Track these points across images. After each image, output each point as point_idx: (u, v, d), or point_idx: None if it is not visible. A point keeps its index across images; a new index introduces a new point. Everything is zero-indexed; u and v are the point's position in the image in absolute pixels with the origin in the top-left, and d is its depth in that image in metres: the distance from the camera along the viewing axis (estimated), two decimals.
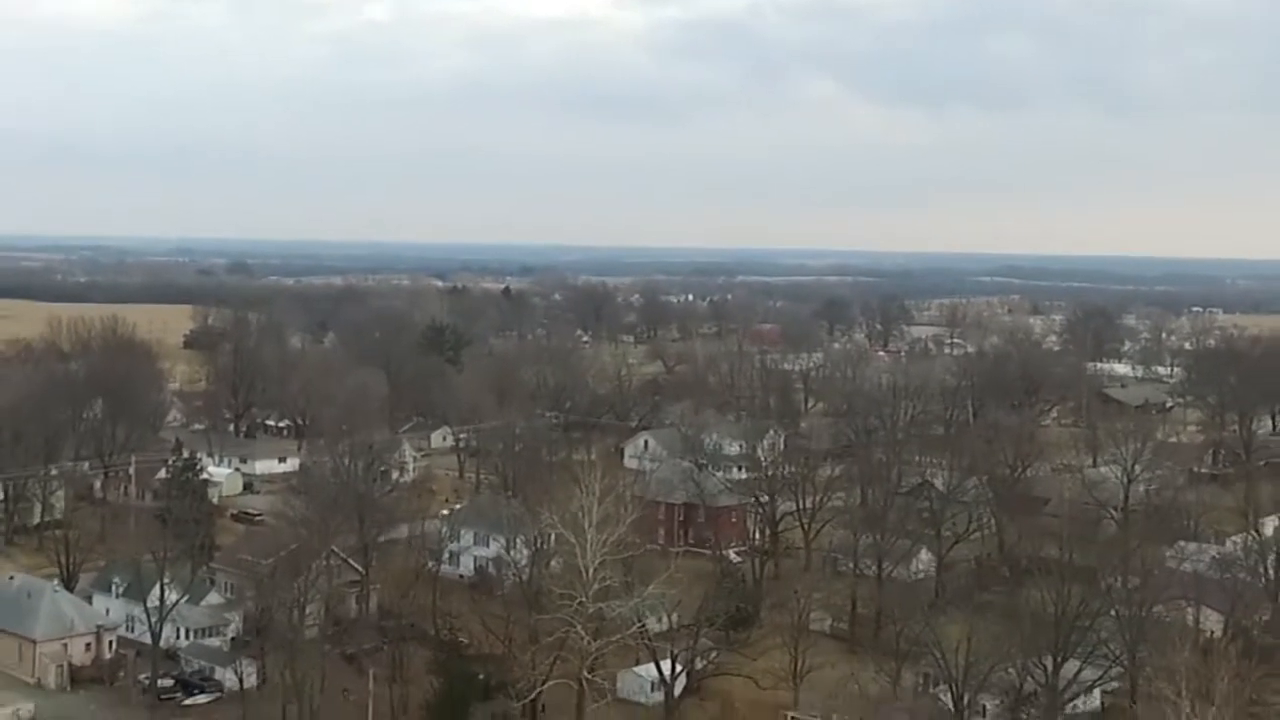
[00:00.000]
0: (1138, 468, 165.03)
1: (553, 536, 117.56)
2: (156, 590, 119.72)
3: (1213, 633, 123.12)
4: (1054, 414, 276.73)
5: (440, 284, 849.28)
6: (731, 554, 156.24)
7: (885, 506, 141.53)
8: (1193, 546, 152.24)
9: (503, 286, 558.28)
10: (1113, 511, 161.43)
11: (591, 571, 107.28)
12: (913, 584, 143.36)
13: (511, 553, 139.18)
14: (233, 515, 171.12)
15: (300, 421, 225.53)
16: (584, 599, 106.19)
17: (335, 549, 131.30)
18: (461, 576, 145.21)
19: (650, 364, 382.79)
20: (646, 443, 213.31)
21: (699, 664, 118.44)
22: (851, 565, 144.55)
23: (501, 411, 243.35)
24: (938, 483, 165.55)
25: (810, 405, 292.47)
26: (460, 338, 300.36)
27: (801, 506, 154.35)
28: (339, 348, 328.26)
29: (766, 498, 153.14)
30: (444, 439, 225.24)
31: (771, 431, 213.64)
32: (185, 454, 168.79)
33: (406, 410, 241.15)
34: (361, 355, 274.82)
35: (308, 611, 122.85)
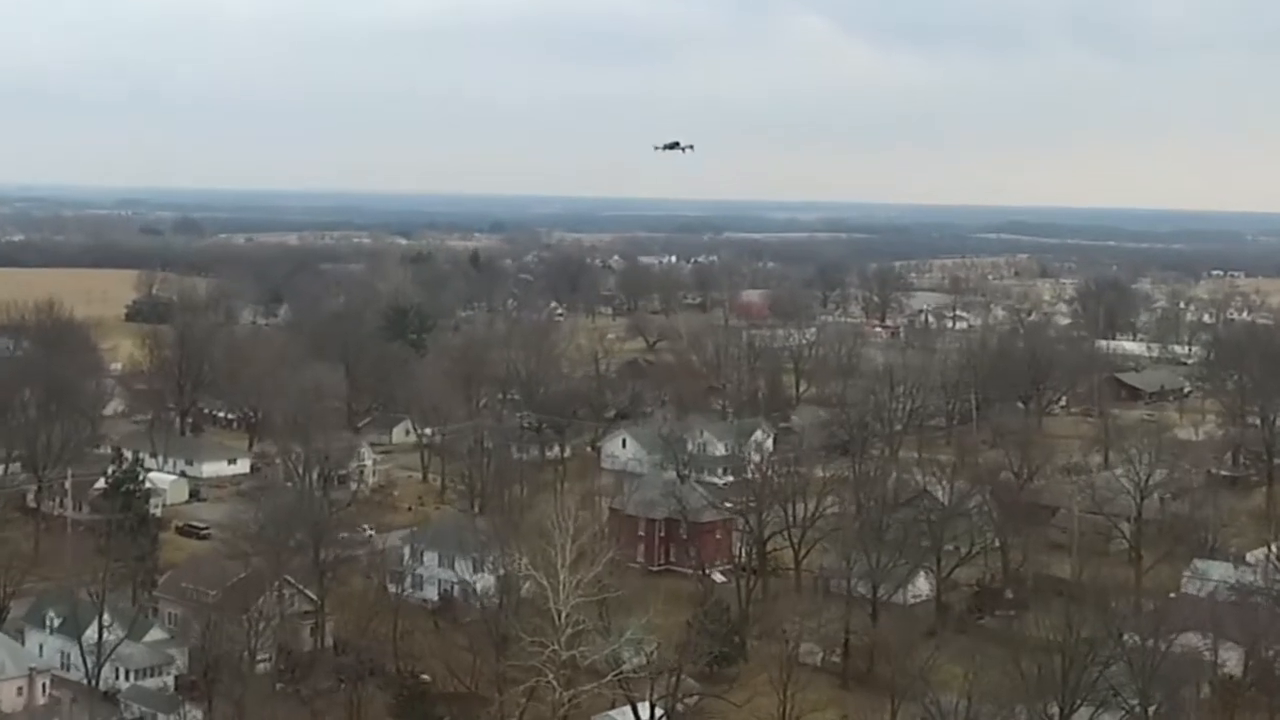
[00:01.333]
0: (1151, 479, 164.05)
1: (522, 566, 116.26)
2: (94, 628, 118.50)
3: (1232, 676, 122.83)
4: (1063, 402, 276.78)
5: (404, 242, 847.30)
6: (716, 573, 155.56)
7: (881, 527, 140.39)
8: (1212, 568, 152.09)
9: (471, 251, 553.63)
10: (1125, 529, 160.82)
11: (564, 616, 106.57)
12: (910, 609, 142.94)
13: (477, 582, 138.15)
14: (178, 529, 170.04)
15: (251, 415, 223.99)
16: (556, 645, 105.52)
17: (288, 578, 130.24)
18: (425, 602, 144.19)
19: (630, 340, 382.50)
20: (625, 441, 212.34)
21: (680, 708, 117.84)
22: (845, 587, 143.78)
23: (468, 406, 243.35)
24: (938, 492, 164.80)
25: (802, 390, 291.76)
26: (424, 320, 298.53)
27: (790, 525, 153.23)
28: (292, 329, 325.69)
29: (753, 511, 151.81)
30: (406, 433, 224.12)
31: (760, 431, 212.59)
32: (125, 460, 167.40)
33: (366, 402, 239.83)
34: (317, 339, 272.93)
35: (258, 647, 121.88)
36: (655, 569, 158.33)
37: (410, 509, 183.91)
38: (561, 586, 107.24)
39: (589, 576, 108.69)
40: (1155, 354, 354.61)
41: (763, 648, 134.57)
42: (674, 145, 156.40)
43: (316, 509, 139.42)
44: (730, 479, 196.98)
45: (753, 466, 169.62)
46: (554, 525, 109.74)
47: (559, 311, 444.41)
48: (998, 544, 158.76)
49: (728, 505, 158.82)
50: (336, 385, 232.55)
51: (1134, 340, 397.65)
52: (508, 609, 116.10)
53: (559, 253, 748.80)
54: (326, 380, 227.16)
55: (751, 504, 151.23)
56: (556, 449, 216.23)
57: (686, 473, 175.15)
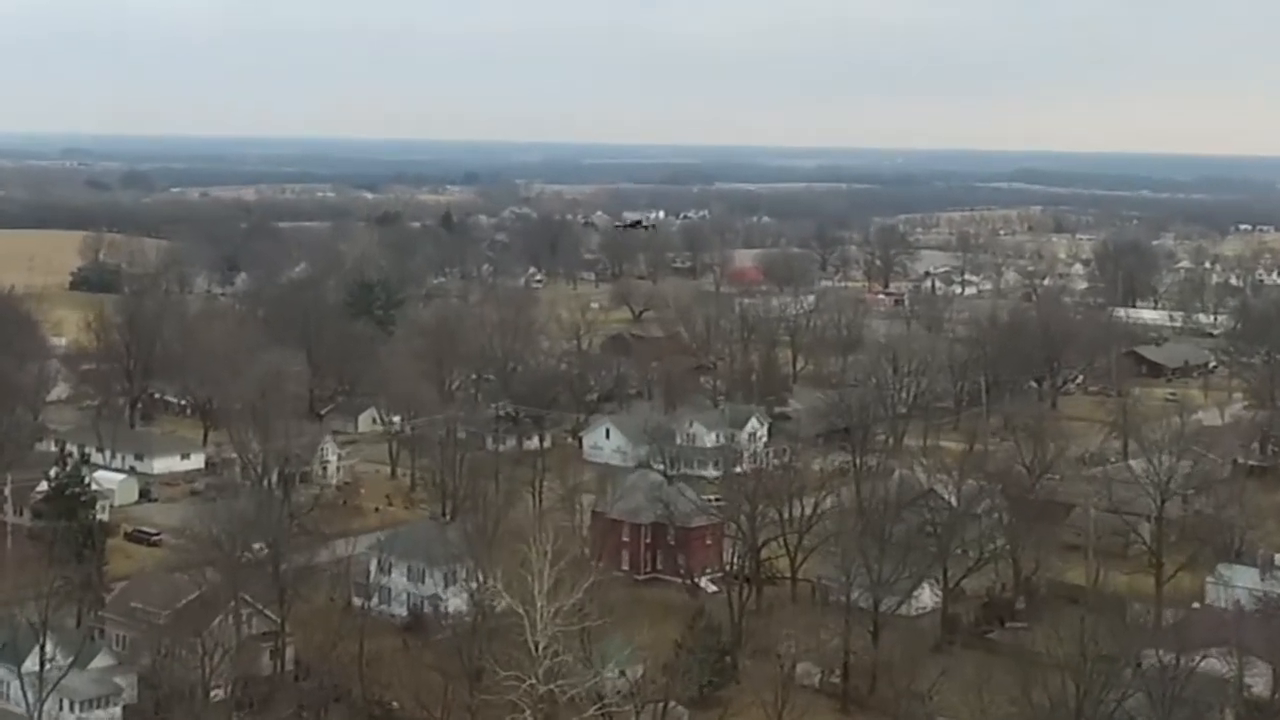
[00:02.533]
0: (1173, 476, 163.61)
1: (497, 594, 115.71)
2: (35, 655, 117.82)
3: (1260, 698, 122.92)
4: (1079, 379, 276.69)
5: (370, 197, 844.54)
6: (706, 582, 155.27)
7: (884, 537, 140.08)
8: (1237, 574, 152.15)
9: (443, 212, 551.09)
10: (1144, 532, 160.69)
11: (542, 647, 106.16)
12: (914, 622, 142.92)
13: (449, 598, 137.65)
14: (127, 535, 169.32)
15: (206, 402, 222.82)
16: (534, 679, 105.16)
17: (246, 597, 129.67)
18: (393, 617, 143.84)
19: (615, 309, 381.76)
20: (608, 431, 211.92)
21: None
22: (844, 598, 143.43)
23: (440, 390, 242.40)
24: (944, 491, 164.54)
25: (799, 367, 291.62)
26: (392, 295, 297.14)
27: (786, 531, 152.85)
28: (250, 300, 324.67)
29: (746, 516, 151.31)
30: (373, 421, 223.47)
31: (754, 420, 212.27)
32: (70, 458, 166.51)
33: (329, 388, 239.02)
34: (277, 316, 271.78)
35: (213, 673, 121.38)
36: (641, 578, 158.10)
37: (377, 509, 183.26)
38: (539, 615, 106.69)
39: (569, 604, 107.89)
40: (1178, 324, 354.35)
41: (756, 667, 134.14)
42: (636, 224, 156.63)
43: (276, 522, 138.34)
44: (721, 473, 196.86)
45: (746, 468, 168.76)
46: (531, 548, 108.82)
47: (538, 278, 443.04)
48: (1008, 547, 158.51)
49: (719, 505, 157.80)
50: (297, 369, 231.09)
51: (1155, 308, 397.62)
52: (480, 636, 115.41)
53: (538, 208, 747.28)
54: (286, 365, 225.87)
55: (744, 509, 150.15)
56: (536, 439, 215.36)
57: (674, 473, 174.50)
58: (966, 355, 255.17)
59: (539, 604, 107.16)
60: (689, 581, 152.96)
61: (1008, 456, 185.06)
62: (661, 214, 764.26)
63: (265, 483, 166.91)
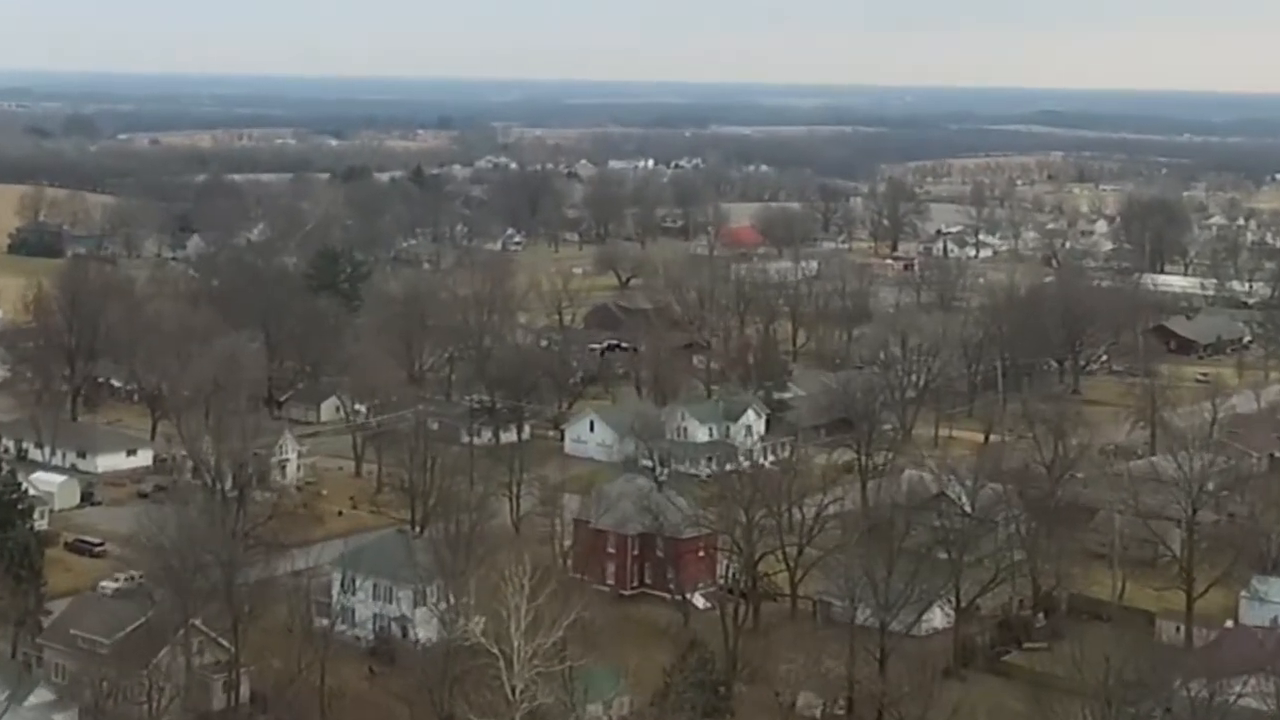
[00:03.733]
0: (1206, 477, 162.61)
1: (469, 619, 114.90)
2: None
3: None
4: (1103, 357, 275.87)
5: (334, 144, 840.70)
6: (698, 598, 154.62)
7: (892, 556, 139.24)
8: (1273, 588, 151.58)
9: (413, 167, 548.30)
10: (1173, 541, 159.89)
11: (519, 691, 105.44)
12: (924, 643, 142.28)
13: (418, 620, 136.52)
14: (67, 544, 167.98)
15: (154, 388, 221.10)
16: None
17: (196, 623, 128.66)
18: (358, 640, 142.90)
19: (600, 275, 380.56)
20: (593, 424, 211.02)
21: None
22: (848, 618, 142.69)
23: (410, 372, 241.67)
24: (957, 494, 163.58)
25: (800, 344, 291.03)
26: (357, 267, 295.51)
27: (785, 545, 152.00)
28: (204, 268, 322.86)
29: (742, 524, 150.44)
30: (337, 409, 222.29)
31: (750, 411, 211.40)
32: (6, 454, 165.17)
33: (289, 371, 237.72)
34: (232, 289, 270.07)
35: (161, 709, 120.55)
36: (627, 593, 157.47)
37: (341, 514, 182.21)
38: (516, 656, 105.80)
39: (548, 643, 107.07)
40: (1210, 292, 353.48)
41: (753, 696, 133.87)
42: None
43: (229, 540, 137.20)
44: (714, 470, 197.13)
45: (742, 468, 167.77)
46: (506, 581, 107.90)
47: (516, 240, 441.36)
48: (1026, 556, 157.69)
49: (712, 515, 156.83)
50: (254, 348, 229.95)
51: (1185, 273, 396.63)
52: (451, 677, 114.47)
53: (517, 156, 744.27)
54: (242, 346, 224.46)
55: (739, 519, 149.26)
56: (513, 430, 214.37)
57: (664, 472, 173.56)
58: (981, 334, 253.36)
59: (516, 644, 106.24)
60: (680, 598, 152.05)
61: (1026, 454, 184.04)
62: (651, 162, 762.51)
63: (218, 491, 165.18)
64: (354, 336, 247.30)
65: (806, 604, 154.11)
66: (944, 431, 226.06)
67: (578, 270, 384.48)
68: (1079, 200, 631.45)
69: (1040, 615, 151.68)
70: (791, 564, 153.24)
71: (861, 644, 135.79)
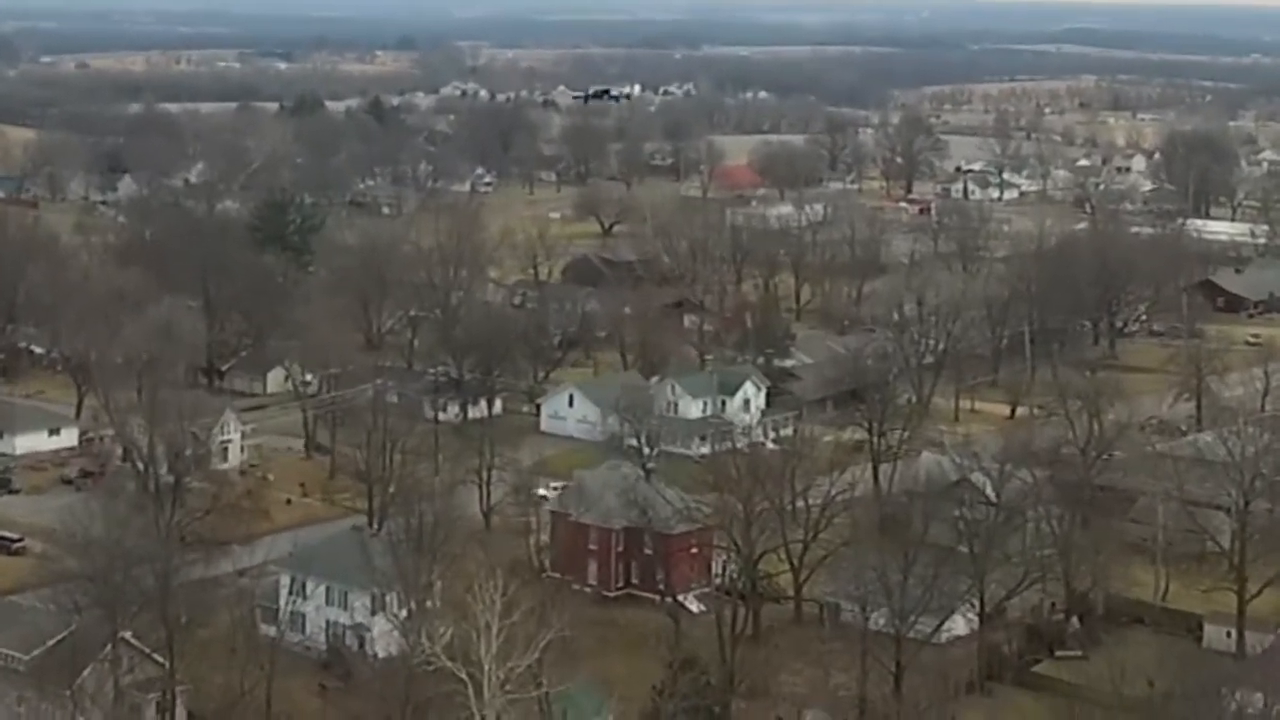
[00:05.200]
0: (1260, 468, 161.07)
1: (434, 642, 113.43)
2: None
3: None
4: (1143, 316, 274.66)
5: (284, 67, 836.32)
6: (691, 600, 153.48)
7: (908, 560, 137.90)
8: None
9: (371, 99, 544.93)
10: (1221, 533, 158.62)
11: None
12: (944, 651, 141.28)
13: (375, 629, 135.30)
14: None
15: (81, 357, 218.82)
16: None
17: (127, 637, 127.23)
18: (309, 650, 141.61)
19: (580, 221, 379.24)
20: (572, 398, 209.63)
21: None
22: (859, 623, 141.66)
23: (367, 337, 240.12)
24: (980, 481, 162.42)
25: (804, 302, 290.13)
26: (308, 217, 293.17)
27: (788, 542, 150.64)
28: (136, 214, 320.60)
29: (739, 518, 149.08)
30: (285, 379, 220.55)
31: (749, 383, 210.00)
32: None
33: (231, 335, 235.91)
34: (168, 240, 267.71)
35: None
36: (612, 594, 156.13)
37: (289, 502, 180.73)
38: (486, 682, 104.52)
39: (522, 666, 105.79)
40: (1261, 240, 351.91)
41: (753, 713, 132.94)
42: (604, 94, 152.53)
43: (165, 540, 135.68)
44: (708, 451, 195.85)
45: (739, 449, 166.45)
46: (476, 598, 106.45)
47: (486, 181, 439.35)
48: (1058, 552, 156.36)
49: (703, 507, 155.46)
50: (192, 309, 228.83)
51: (1232, 218, 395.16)
52: (413, 691, 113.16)
53: (487, 82, 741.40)
54: (179, 309, 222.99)
55: (737, 513, 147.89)
56: (483, 404, 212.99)
57: (652, 453, 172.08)
58: (1007, 292, 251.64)
59: (486, 667, 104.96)
60: (670, 600, 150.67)
61: (1056, 434, 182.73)
62: (638, 88, 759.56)
63: (152, 479, 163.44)
64: (304, 296, 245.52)
65: (812, 606, 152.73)
66: (965, 404, 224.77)
67: (555, 215, 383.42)
68: (1114, 132, 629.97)
69: (1074, 620, 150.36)
70: (796, 562, 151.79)
71: (874, 654, 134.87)
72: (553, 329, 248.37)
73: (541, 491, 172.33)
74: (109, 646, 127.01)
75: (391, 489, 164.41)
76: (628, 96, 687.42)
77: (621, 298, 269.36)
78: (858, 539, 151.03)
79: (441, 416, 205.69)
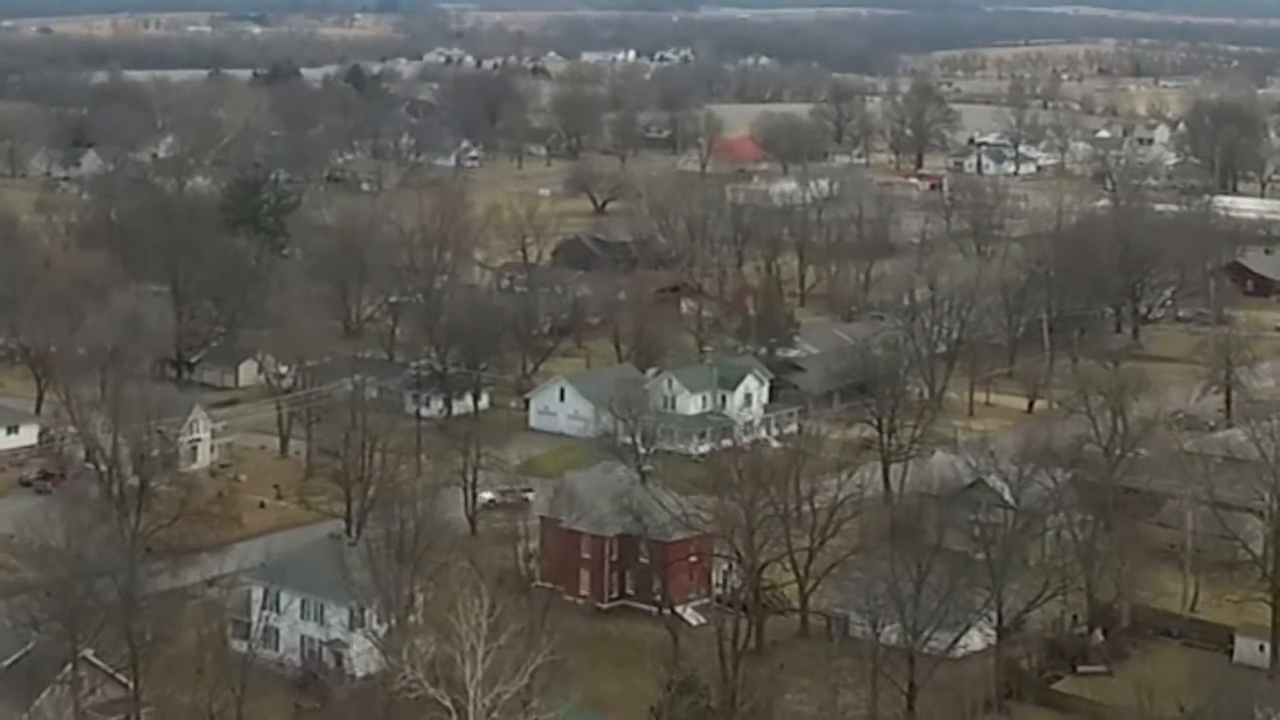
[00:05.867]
0: None
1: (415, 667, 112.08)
2: None
3: None
4: (1168, 300, 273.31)
5: (258, 31, 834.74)
6: (690, 612, 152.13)
7: (921, 571, 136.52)
8: None
9: (350, 67, 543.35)
10: (1254, 542, 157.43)
11: None
12: (959, 666, 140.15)
13: (353, 646, 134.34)
14: None
15: (42, 348, 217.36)
16: None
17: (88, 656, 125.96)
18: (282, 667, 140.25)
19: (571, 198, 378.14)
20: (563, 392, 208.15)
21: None
22: (869, 634, 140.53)
23: (345, 325, 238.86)
24: (997, 483, 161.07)
25: (809, 285, 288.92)
26: (283, 198, 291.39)
27: (793, 550, 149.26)
28: (101, 196, 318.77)
29: (742, 526, 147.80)
30: (259, 371, 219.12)
31: (750, 377, 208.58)
32: None
33: (202, 324, 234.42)
34: (135, 221, 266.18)
35: None
36: (605, 606, 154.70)
37: (263, 505, 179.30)
38: (472, 709, 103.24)
39: (510, 692, 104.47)
40: None
41: None
42: None
43: (130, 550, 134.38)
44: (708, 450, 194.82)
45: (740, 446, 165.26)
46: (461, 618, 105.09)
47: (472, 155, 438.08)
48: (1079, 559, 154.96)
49: (703, 514, 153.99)
50: (159, 294, 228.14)
51: (1261, 194, 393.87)
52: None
53: (473, 47, 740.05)
54: (146, 296, 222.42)
55: (740, 520, 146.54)
56: (469, 398, 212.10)
57: (648, 466, 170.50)
58: (1024, 277, 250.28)
59: (471, 694, 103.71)
60: (668, 612, 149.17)
61: (1078, 431, 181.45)
62: (632, 54, 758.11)
63: (115, 484, 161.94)
64: (279, 282, 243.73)
65: (819, 619, 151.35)
66: (980, 397, 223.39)
67: (545, 192, 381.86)
68: (1135, 100, 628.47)
69: (1098, 632, 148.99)
70: (801, 572, 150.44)
71: (886, 671, 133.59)
72: (542, 316, 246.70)
73: (488, 495, 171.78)
74: (69, 666, 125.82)
75: (371, 492, 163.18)
76: None
77: (615, 282, 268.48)
78: (867, 546, 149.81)
79: (424, 412, 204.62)
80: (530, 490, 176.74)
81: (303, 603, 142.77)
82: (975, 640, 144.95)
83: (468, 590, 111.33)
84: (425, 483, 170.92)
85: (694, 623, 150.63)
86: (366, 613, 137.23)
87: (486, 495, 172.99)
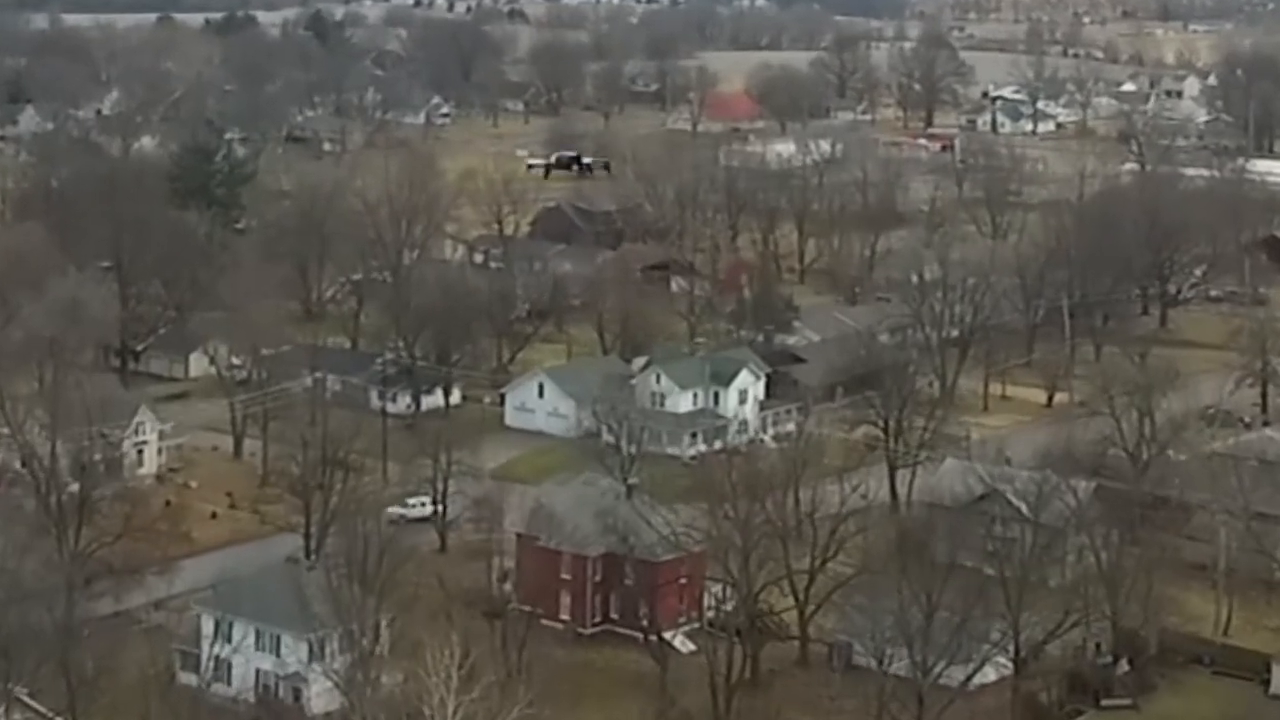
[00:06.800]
0: None
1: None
2: None
3: None
4: (1198, 278, 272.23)
5: None
6: (679, 638, 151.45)
7: (930, 605, 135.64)
8: None
9: (311, 13, 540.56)
10: None
11: None
12: (973, 700, 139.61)
13: (312, 679, 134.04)
14: None
15: None
16: None
17: (21, 695, 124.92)
18: (236, 703, 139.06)
19: (551, 156, 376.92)
20: (542, 388, 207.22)
21: None
22: (875, 665, 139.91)
23: (305, 307, 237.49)
24: (1013, 494, 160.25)
25: (809, 259, 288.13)
26: (238, 167, 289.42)
27: (792, 573, 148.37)
28: (40, 159, 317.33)
29: (737, 552, 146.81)
30: (210, 363, 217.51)
31: (745, 371, 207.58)
32: None
33: (150, 310, 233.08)
34: (75, 189, 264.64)
35: None
36: (588, 631, 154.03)
37: (215, 515, 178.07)
38: None
39: None
40: None
41: None
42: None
43: (65, 578, 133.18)
44: (699, 450, 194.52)
45: (732, 469, 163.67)
46: (429, 669, 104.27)
47: (444, 111, 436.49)
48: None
49: (693, 531, 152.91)
50: (103, 288, 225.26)
51: None
52: None
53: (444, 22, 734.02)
54: (87, 280, 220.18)
55: (734, 540, 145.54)
56: (439, 393, 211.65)
57: (634, 478, 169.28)
58: (1043, 257, 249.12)
59: None
60: (655, 638, 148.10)
61: (1102, 430, 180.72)
62: None
63: (54, 495, 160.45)
64: (233, 260, 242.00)
65: (820, 647, 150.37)
66: (995, 389, 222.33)
67: (522, 153, 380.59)
68: (1163, 47, 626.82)
69: (1123, 662, 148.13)
70: (801, 595, 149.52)
71: (892, 706, 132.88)
72: (520, 298, 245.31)
73: (396, 511, 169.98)
74: (1, 707, 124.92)
75: (333, 502, 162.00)
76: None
77: (599, 258, 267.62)
78: (872, 568, 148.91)
79: (391, 408, 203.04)
80: (436, 503, 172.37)
81: (257, 634, 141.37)
82: (990, 672, 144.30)
83: (437, 640, 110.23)
84: (392, 493, 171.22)
85: (684, 650, 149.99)
86: (326, 644, 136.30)
87: (395, 510, 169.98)
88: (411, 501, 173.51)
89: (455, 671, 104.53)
